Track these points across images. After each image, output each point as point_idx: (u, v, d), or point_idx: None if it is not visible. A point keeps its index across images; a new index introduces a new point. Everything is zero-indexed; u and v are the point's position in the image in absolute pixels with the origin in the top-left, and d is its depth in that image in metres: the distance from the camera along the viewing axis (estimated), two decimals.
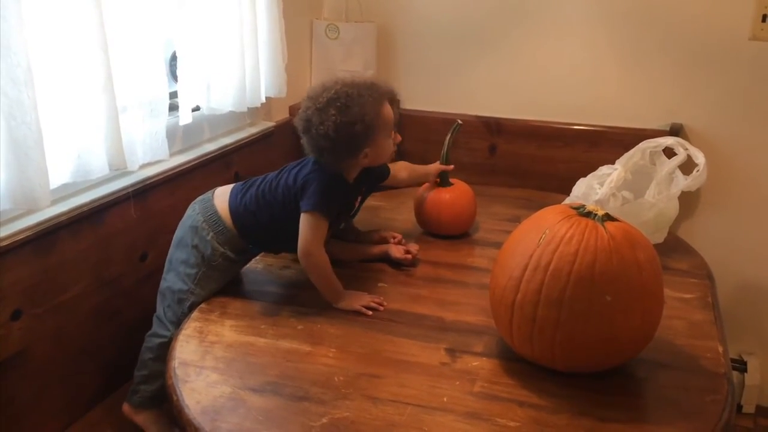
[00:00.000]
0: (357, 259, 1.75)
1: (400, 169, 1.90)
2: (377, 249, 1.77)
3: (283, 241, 1.64)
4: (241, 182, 1.67)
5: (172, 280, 1.61)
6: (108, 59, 1.55)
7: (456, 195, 1.90)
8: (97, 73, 1.53)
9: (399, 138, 1.70)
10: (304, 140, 1.57)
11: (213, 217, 1.60)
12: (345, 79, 1.57)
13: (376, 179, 1.78)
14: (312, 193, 1.53)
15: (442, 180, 1.92)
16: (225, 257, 1.59)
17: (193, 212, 1.63)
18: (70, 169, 1.54)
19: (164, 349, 1.50)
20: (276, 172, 1.64)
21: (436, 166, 1.92)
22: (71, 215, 1.57)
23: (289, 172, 1.60)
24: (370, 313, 1.51)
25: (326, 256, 1.55)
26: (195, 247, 1.59)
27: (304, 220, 1.53)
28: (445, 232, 1.90)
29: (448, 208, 1.89)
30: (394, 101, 1.64)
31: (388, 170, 1.82)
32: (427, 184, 1.93)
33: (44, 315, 1.55)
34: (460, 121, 1.91)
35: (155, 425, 1.61)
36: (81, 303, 1.64)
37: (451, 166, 1.92)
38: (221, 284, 1.62)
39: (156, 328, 1.62)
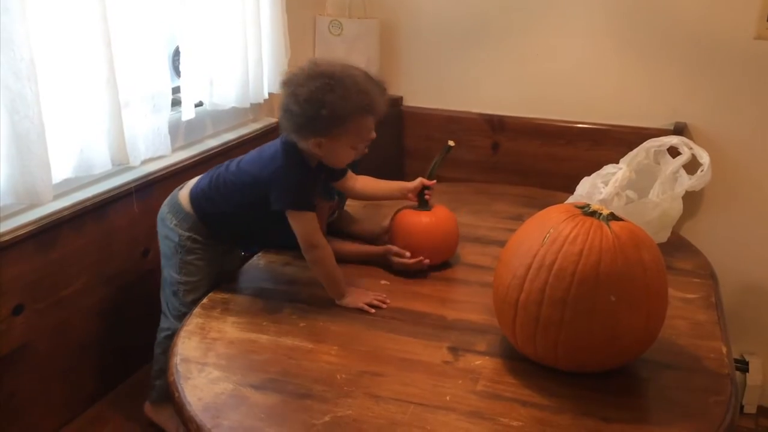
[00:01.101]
0: (356, 258, 1.73)
1: (359, 179, 1.75)
2: (378, 248, 1.72)
3: (243, 230, 1.63)
4: (210, 170, 1.65)
5: (163, 274, 1.63)
6: (111, 54, 1.54)
7: (434, 221, 1.68)
8: (100, 68, 1.52)
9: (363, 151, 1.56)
10: (281, 94, 1.51)
11: (176, 206, 1.61)
12: (352, 68, 1.50)
13: (333, 174, 1.68)
14: (284, 190, 1.50)
15: (420, 202, 1.71)
16: (193, 240, 1.59)
17: (162, 206, 1.64)
18: (73, 164, 1.54)
19: (170, 341, 1.52)
20: (237, 159, 1.61)
21: (417, 182, 1.71)
22: (73, 210, 1.57)
23: (253, 162, 1.57)
24: (373, 311, 1.50)
25: (330, 249, 1.55)
26: (166, 237, 1.61)
27: (292, 219, 1.51)
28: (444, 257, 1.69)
29: (422, 235, 1.66)
30: (378, 119, 1.52)
31: (345, 171, 1.71)
32: (404, 204, 1.72)
33: (46, 310, 1.54)
34: (452, 143, 1.71)
35: (173, 420, 1.61)
36: (83, 298, 1.64)
37: (434, 182, 1.71)
38: (207, 270, 1.62)
39: (162, 322, 1.64)
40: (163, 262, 1.63)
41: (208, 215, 1.59)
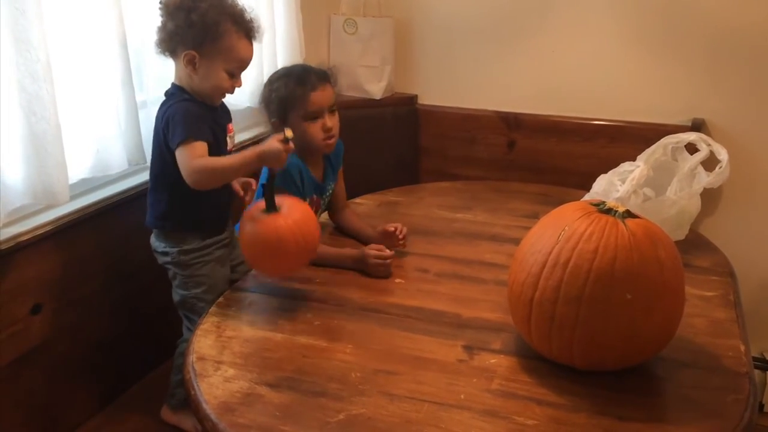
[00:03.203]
0: (334, 263, 1.67)
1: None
2: (354, 252, 1.67)
3: (197, 206, 1.58)
4: None
5: (175, 299, 1.64)
6: (127, 54, 1.55)
7: (289, 224, 1.43)
8: (116, 69, 1.54)
9: (239, 84, 1.57)
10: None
11: (154, 232, 1.62)
12: None
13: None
14: (174, 124, 1.46)
15: (269, 203, 1.46)
16: (184, 252, 1.59)
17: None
18: (89, 164, 1.56)
19: None
20: None
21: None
22: (90, 210, 1.58)
23: (153, 137, 1.55)
24: (291, 145, 1.44)
25: (207, 159, 1.46)
26: (165, 262, 1.61)
27: (178, 155, 1.44)
28: (286, 271, 1.52)
29: (280, 243, 1.42)
30: (251, 36, 1.53)
31: (229, 118, 1.67)
32: (248, 212, 1.47)
33: (63, 309, 1.56)
34: (289, 134, 1.47)
35: (190, 419, 1.62)
36: (100, 297, 1.65)
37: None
38: (212, 277, 1.62)
39: (186, 334, 1.65)
40: (172, 289, 1.63)
41: (168, 216, 1.58)
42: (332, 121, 1.71)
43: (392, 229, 1.73)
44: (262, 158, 1.45)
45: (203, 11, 1.45)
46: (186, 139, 1.44)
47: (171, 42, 1.49)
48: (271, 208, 1.44)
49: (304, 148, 1.69)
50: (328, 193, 1.85)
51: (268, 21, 2.02)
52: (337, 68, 1.80)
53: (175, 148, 1.45)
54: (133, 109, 1.60)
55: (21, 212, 1.46)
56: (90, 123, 1.54)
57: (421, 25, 2.48)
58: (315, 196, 1.78)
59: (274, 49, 2.06)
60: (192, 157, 1.44)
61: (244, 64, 1.54)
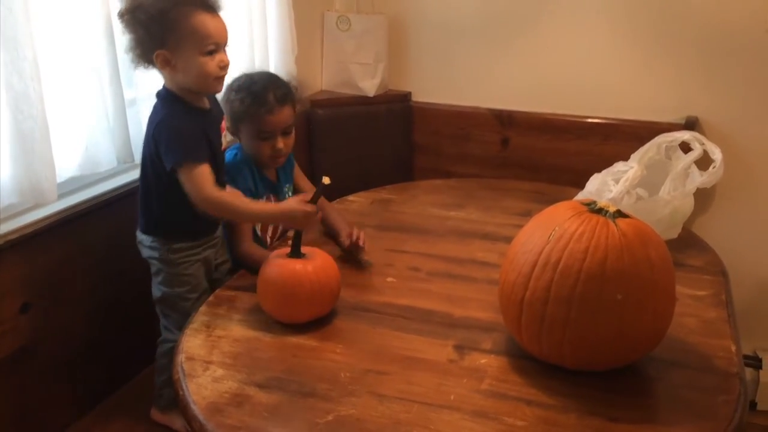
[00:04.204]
0: None
1: None
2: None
3: (189, 210, 1.50)
4: None
5: (156, 295, 1.60)
6: (115, 51, 1.54)
7: (310, 269, 1.40)
8: (103, 66, 1.53)
9: (226, 61, 1.47)
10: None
11: (139, 237, 1.59)
12: None
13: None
14: (168, 144, 1.42)
15: (294, 249, 1.44)
16: (173, 251, 1.56)
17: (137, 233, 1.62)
18: (78, 162, 1.54)
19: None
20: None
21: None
22: (79, 209, 1.57)
23: (144, 144, 1.52)
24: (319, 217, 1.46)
25: (225, 192, 1.45)
26: (150, 256, 1.58)
27: (182, 177, 1.41)
28: (302, 318, 1.43)
29: (311, 285, 1.40)
30: (208, 7, 1.44)
31: (222, 115, 1.66)
32: (272, 255, 1.47)
33: (52, 309, 1.55)
34: (326, 180, 1.44)
35: (180, 418, 1.60)
36: (89, 296, 1.64)
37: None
38: (197, 278, 1.60)
39: (164, 334, 1.62)
40: (153, 284, 1.60)
41: (162, 223, 1.55)
42: (284, 143, 1.70)
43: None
44: (287, 218, 1.44)
45: (146, 7, 1.38)
46: (186, 162, 1.41)
47: (138, 52, 1.42)
48: (296, 254, 1.44)
49: (252, 157, 1.72)
50: (287, 194, 1.83)
51: (260, 18, 2.00)
52: (302, 85, 1.78)
53: (175, 168, 1.42)
54: (121, 106, 1.59)
55: (9, 211, 1.44)
56: (78, 121, 1.52)
57: (414, 22, 2.47)
58: (272, 196, 1.78)
59: (266, 47, 2.04)
60: (204, 184, 1.41)
61: (215, 38, 1.43)
